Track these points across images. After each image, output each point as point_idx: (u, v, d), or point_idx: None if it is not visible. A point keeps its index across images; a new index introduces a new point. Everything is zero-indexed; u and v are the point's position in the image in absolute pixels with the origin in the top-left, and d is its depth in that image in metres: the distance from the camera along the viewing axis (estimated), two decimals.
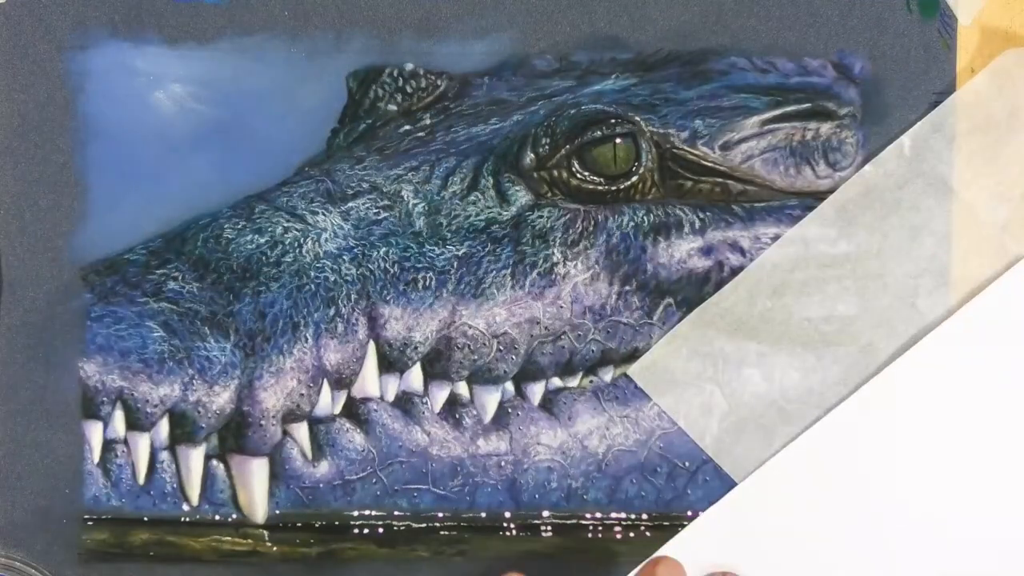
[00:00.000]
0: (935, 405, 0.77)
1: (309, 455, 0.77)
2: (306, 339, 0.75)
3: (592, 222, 0.78)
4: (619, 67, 0.79)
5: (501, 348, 0.77)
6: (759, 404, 0.78)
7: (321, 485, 0.78)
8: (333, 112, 0.78)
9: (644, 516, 0.79)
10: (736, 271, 0.78)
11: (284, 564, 0.78)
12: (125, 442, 0.76)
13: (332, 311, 0.76)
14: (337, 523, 0.78)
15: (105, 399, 0.75)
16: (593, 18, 0.78)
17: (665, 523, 0.79)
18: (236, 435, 0.76)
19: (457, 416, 0.78)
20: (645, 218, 0.78)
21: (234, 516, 0.78)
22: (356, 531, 0.78)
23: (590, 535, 0.79)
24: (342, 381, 0.77)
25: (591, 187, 0.77)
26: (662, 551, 0.77)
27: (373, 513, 0.78)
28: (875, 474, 0.77)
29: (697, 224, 0.78)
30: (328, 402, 0.77)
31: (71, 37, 0.76)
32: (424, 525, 0.79)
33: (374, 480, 0.78)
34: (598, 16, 0.78)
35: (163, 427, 0.76)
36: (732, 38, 0.78)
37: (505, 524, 0.79)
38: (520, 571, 0.77)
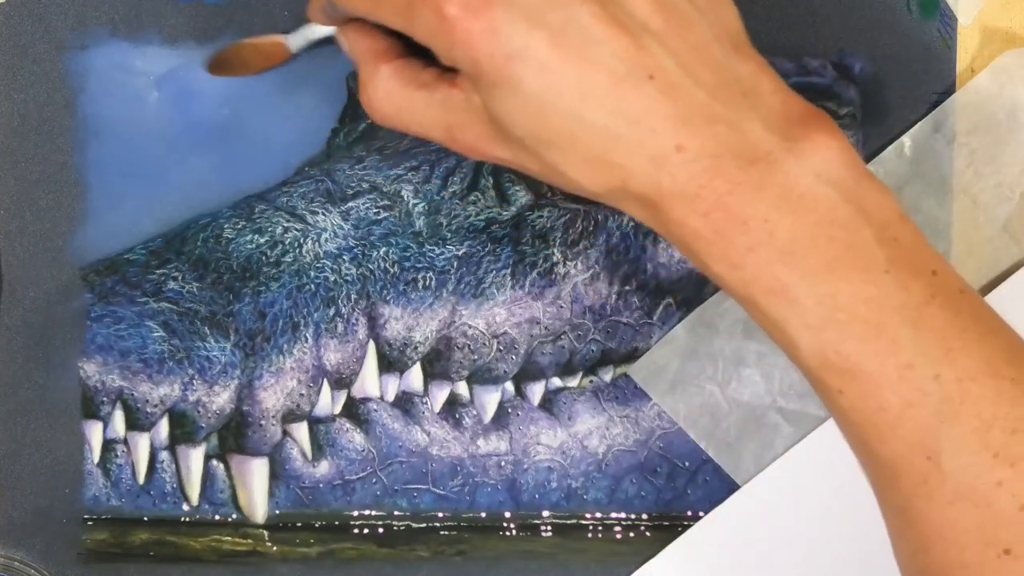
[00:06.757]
0: None
1: (309, 455, 0.77)
2: (306, 339, 0.75)
3: (592, 222, 0.78)
4: None
5: (501, 348, 0.77)
6: (759, 404, 0.78)
7: (321, 485, 0.78)
8: (333, 112, 0.78)
9: (644, 516, 0.79)
10: None
11: (284, 564, 0.78)
12: (125, 442, 0.76)
13: (332, 311, 0.76)
14: (337, 523, 0.78)
15: (105, 399, 0.75)
16: None
17: (665, 523, 0.79)
18: (236, 435, 0.76)
19: (457, 416, 0.78)
20: None
21: (234, 516, 0.78)
22: (356, 531, 0.78)
23: (590, 535, 0.79)
24: (342, 381, 0.77)
25: None
26: (664, 553, 0.77)
27: (373, 513, 0.78)
28: None
29: None
30: (328, 402, 0.77)
31: (71, 37, 0.76)
32: (424, 525, 0.78)
33: (374, 480, 0.78)
34: None
35: (163, 427, 0.76)
36: None
37: (505, 524, 0.79)
38: (520, 571, 0.77)
